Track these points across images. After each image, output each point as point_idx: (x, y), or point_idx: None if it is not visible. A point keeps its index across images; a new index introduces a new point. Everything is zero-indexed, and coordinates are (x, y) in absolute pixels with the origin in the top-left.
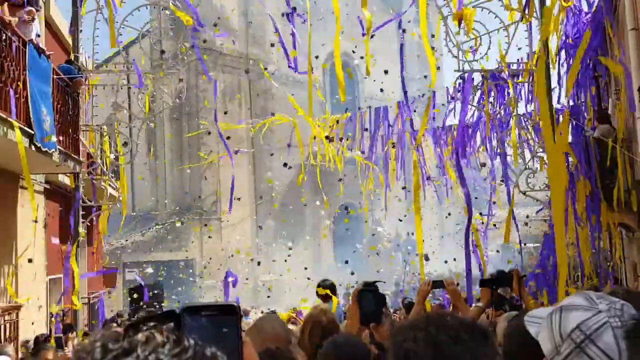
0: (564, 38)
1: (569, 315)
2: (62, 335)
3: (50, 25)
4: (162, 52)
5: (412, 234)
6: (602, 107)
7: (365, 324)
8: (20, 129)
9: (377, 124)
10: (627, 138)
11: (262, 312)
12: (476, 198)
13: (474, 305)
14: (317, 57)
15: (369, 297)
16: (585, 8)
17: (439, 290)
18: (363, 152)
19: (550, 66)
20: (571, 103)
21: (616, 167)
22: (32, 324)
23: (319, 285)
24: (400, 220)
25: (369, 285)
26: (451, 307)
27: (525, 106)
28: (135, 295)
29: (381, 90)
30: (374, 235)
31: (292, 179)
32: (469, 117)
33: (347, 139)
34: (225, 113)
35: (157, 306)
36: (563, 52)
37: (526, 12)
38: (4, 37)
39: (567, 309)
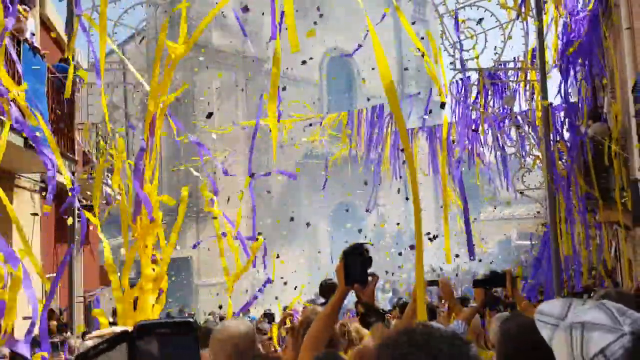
0: (561, 37)
1: (591, 335)
2: (57, 339)
3: (45, 23)
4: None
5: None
6: (598, 106)
7: (350, 285)
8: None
9: (374, 121)
10: (622, 137)
11: (264, 312)
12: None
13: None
14: (311, 58)
15: (355, 259)
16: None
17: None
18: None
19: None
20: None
21: (611, 166)
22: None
23: (322, 285)
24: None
25: (356, 248)
26: (446, 306)
27: (521, 105)
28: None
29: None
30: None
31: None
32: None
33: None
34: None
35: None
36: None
37: (522, 10)
38: None
39: (589, 327)
